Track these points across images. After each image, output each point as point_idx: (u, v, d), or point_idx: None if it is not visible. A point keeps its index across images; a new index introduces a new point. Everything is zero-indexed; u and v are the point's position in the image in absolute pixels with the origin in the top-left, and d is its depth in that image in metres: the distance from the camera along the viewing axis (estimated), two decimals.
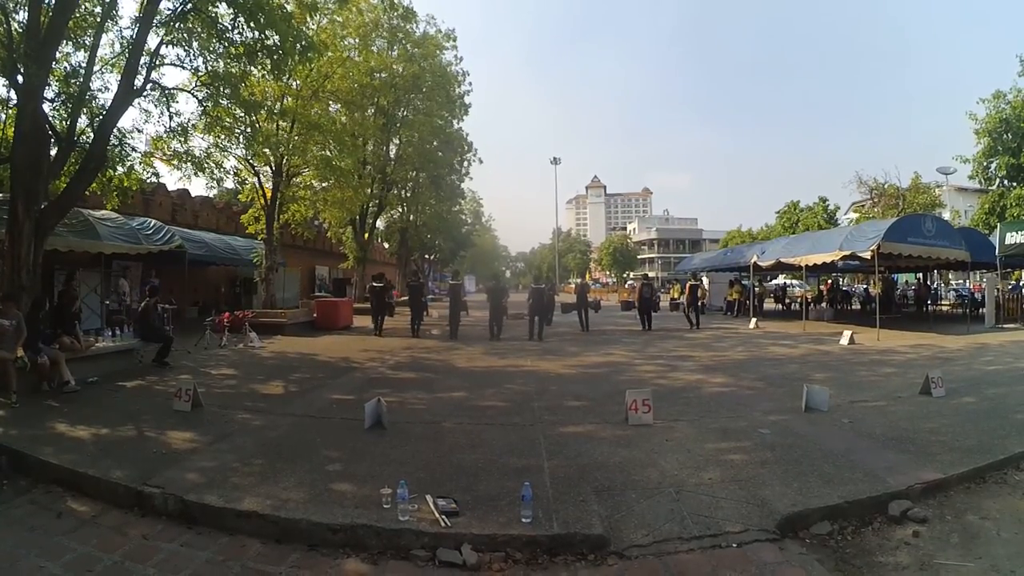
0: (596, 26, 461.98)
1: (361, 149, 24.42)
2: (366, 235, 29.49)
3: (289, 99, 17.84)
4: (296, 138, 17.86)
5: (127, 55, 10.25)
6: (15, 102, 9.37)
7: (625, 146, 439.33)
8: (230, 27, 10.96)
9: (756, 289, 24.88)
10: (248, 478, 4.57)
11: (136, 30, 10.19)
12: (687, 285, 21.42)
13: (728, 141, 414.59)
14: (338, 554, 3.61)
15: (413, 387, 8.72)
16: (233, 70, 11.72)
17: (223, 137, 14.52)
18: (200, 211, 23.00)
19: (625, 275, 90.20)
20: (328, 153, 19.50)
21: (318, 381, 9.18)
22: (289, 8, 12.49)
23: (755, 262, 21.68)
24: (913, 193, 38.91)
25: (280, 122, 17.55)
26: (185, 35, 10.92)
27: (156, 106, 11.49)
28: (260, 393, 8.21)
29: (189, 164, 12.38)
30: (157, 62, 10.78)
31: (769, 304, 29.97)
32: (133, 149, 11.46)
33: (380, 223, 34.17)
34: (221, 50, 11.42)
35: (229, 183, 17.98)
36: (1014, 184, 26.78)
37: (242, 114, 13.37)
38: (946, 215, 40.09)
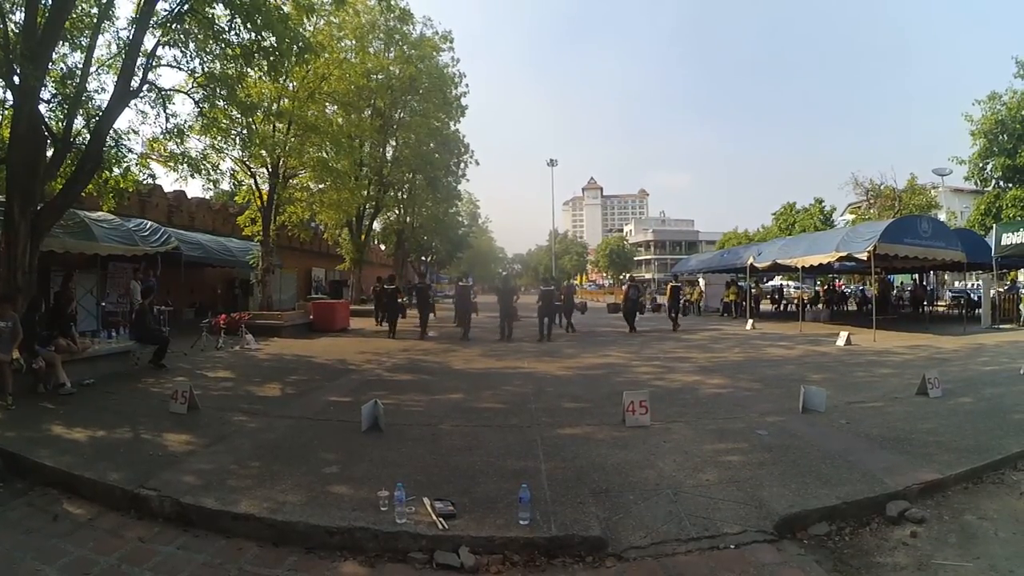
0: (595, 26, 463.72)
1: (358, 151, 24.44)
2: (363, 237, 29.49)
3: (286, 100, 17.80)
4: (293, 139, 17.85)
5: (123, 56, 10.23)
6: (11, 103, 9.34)
7: (623, 147, 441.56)
8: (227, 28, 10.94)
9: (753, 290, 24.89)
10: (245, 480, 4.55)
11: (133, 31, 10.17)
12: (668, 287, 21.72)
13: (727, 141, 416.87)
14: (335, 557, 3.60)
15: (410, 389, 8.71)
16: (230, 71, 11.69)
17: (219, 138, 14.47)
18: (196, 213, 22.94)
19: (621, 276, 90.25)
20: (325, 155, 19.49)
21: (315, 383, 9.17)
22: (286, 9, 12.47)
23: (752, 263, 21.71)
24: (909, 194, 38.99)
25: (277, 123, 17.53)
26: (182, 36, 10.90)
27: (152, 107, 11.49)
28: (257, 395, 8.20)
29: (185, 166, 12.32)
30: (153, 63, 10.75)
31: (765, 305, 30.04)
32: (129, 150, 11.43)
33: (377, 224, 34.13)
34: (218, 51, 11.39)
35: (225, 185, 17.94)
36: (1010, 185, 26.88)
37: (238, 115, 13.33)
38: (942, 216, 40.16)
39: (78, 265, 14.21)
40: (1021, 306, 19.48)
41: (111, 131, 10.38)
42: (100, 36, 10.41)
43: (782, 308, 29.50)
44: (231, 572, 3.42)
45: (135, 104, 11.00)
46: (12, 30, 9.26)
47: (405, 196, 34.10)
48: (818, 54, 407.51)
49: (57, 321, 9.14)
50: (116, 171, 11.26)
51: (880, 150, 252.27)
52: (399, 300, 18.56)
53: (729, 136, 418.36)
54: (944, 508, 4.20)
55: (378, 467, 4.88)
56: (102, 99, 10.73)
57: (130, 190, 12.46)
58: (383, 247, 42.21)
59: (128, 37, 10.38)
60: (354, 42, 24.17)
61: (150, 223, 16.12)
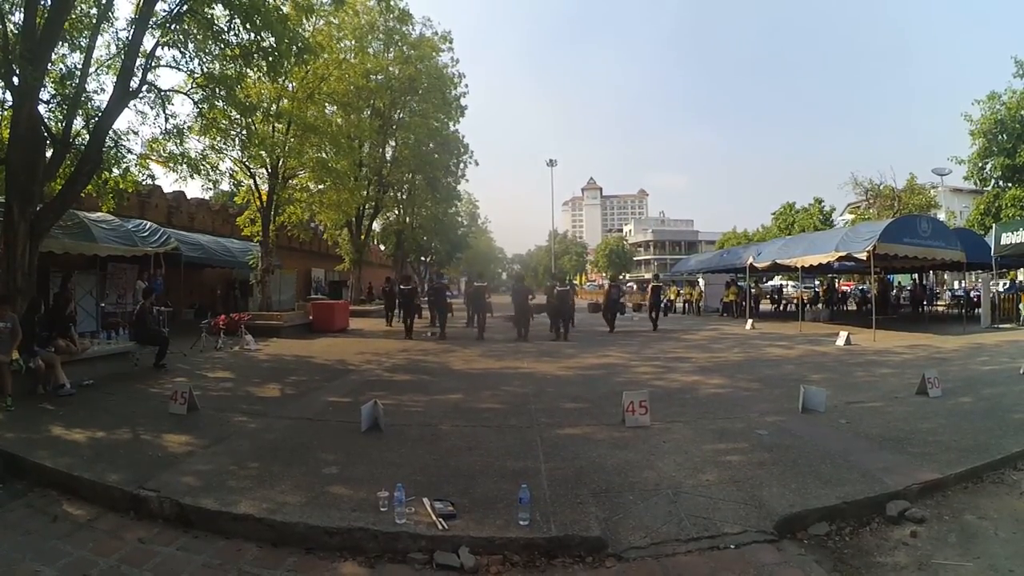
0: (594, 27, 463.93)
1: (357, 151, 24.42)
2: (362, 237, 29.46)
3: (285, 101, 17.83)
4: (292, 140, 17.87)
5: (123, 57, 10.24)
6: (10, 103, 9.34)
7: (622, 147, 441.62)
8: (226, 29, 10.96)
9: (752, 290, 24.90)
10: (245, 481, 4.55)
11: (132, 31, 10.18)
12: (649, 287, 21.86)
13: (726, 141, 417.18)
14: (335, 557, 3.59)
15: (410, 389, 8.71)
16: (229, 72, 11.69)
17: (219, 139, 14.50)
18: (196, 213, 22.94)
19: (620, 276, 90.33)
20: (324, 155, 19.51)
21: (314, 384, 9.16)
22: (285, 10, 12.49)
23: (751, 263, 21.72)
24: (908, 194, 39.02)
25: (276, 124, 17.55)
26: (181, 37, 10.91)
27: (152, 108, 11.50)
28: (256, 396, 8.19)
29: (185, 166, 12.33)
30: (153, 64, 10.76)
31: (765, 305, 30.04)
32: (129, 151, 11.45)
33: (376, 225, 34.10)
34: (217, 52, 11.41)
35: (225, 185, 17.99)
36: (1009, 185, 26.87)
37: (238, 116, 13.34)
38: (941, 216, 40.18)
39: (78, 266, 14.21)
40: (1021, 305, 19.48)
41: (110, 132, 10.39)
42: (99, 37, 10.43)
43: (781, 308, 29.50)
44: (231, 573, 3.42)
45: (134, 105, 11.03)
46: (11, 31, 9.27)
47: (404, 196, 34.08)
48: (818, 54, 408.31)
49: (56, 322, 9.14)
50: (115, 172, 11.26)
51: (880, 150, 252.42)
52: (415, 300, 18.60)
53: (728, 136, 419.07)
54: (944, 508, 4.20)
55: (378, 467, 4.87)
56: (101, 100, 10.75)
57: (129, 191, 12.47)
58: (383, 247, 42.16)
59: (127, 38, 10.40)
60: (353, 43, 24.16)
61: (150, 224, 16.12)
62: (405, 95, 28.04)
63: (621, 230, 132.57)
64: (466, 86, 32.12)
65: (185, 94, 11.86)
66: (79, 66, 10.21)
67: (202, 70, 11.52)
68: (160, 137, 11.88)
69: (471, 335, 16.74)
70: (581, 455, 5.23)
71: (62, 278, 13.19)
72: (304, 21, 14.74)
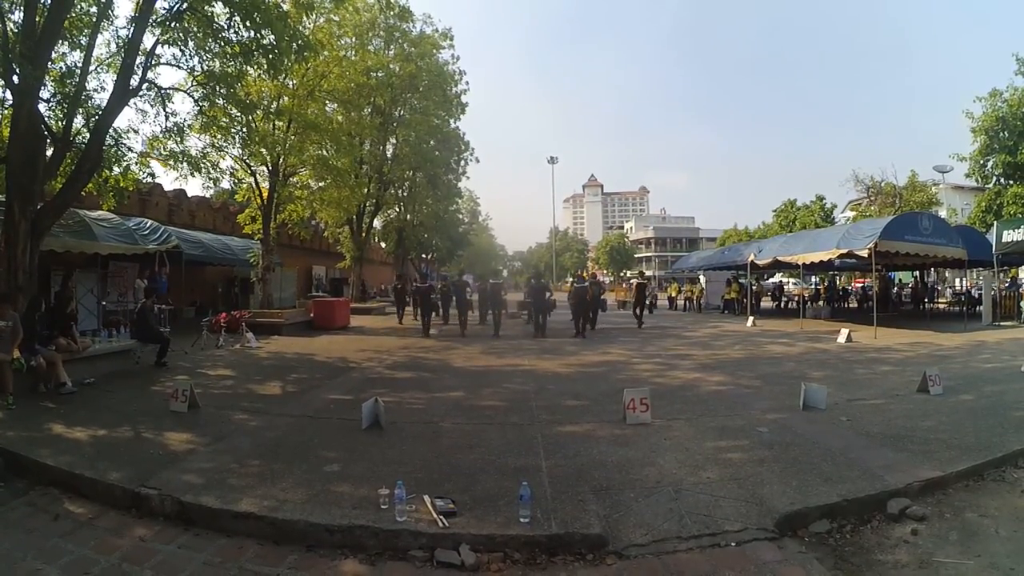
0: (595, 25, 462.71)
1: (358, 148, 24.39)
2: (363, 235, 29.45)
3: (285, 98, 17.82)
4: (292, 138, 17.86)
5: (123, 55, 10.23)
6: (11, 102, 9.33)
7: (623, 145, 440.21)
8: (226, 26, 10.95)
9: (753, 287, 24.89)
10: (246, 479, 4.55)
11: (132, 30, 10.18)
12: (634, 284, 21.64)
13: (727, 140, 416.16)
14: (336, 555, 3.59)
15: (411, 387, 8.71)
16: (229, 69, 11.67)
17: (219, 137, 14.50)
18: (197, 211, 22.95)
19: (622, 273, 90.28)
20: (325, 153, 19.51)
21: (315, 381, 9.16)
22: (285, 7, 12.47)
23: (752, 260, 21.70)
24: (910, 191, 38.94)
25: (276, 122, 17.52)
26: (181, 34, 10.90)
27: (152, 106, 11.52)
28: (257, 393, 8.20)
29: (185, 164, 12.34)
30: (153, 62, 10.75)
31: (766, 302, 30.03)
32: (129, 149, 11.45)
33: (377, 222, 34.10)
34: (217, 49, 11.39)
35: (225, 183, 17.92)
36: (1010, 182, 26.82)
37: (238, 114, 13.33)
38: (943, 213, 40.17)
39: (79, 264, 14.22)
40: (1022, 303, 19.46)
41: (111, 130, 10.38)
42: (99, 35, 10.41)
43: (782, 305, 29.50)
44: (232, 571, 3.42)
45: (135, 103, 11.03)
46: (11, 29, 9.26)
47: (405, 194, 34.06)
48: (818, 54, 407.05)
49: (57, 320, 9.15)
50: (116, 170, 11.26)
51: (881, 149, 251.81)
52: (432, 297, 18.67)
53: (729, 134, 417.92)
54: (945, 506, 4.19)
55: (378, 465, 4.88)
56: (102, 98, 10.75)
57: (130, 189, 12.46)
58: (383, 245, 42.17)
59: (127, 36, 10.40)
60: (354, 40, 24.15)
61: (150, 222, 16.15)
62: (406, 92, 28.00)
63: (622, 227, 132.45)
64: (467, 83, 32.10)
65: (185, 92, 11.85)
66: (79, 64, 10.20)
67: (202, 68, 11.52)
68: (160, 135, 11.90)
69: (487, 332, 16.90)
70: (582, 452, 5.23)
71: (63, 276, 13.20)
72: (304, 18, 14.71)
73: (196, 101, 11.97)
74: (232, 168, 17.76)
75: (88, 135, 10.11)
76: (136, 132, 15.89)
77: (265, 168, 18.38)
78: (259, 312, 17.54)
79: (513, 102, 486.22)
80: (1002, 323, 18.27)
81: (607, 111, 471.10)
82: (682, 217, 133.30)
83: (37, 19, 9.06)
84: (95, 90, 11.00)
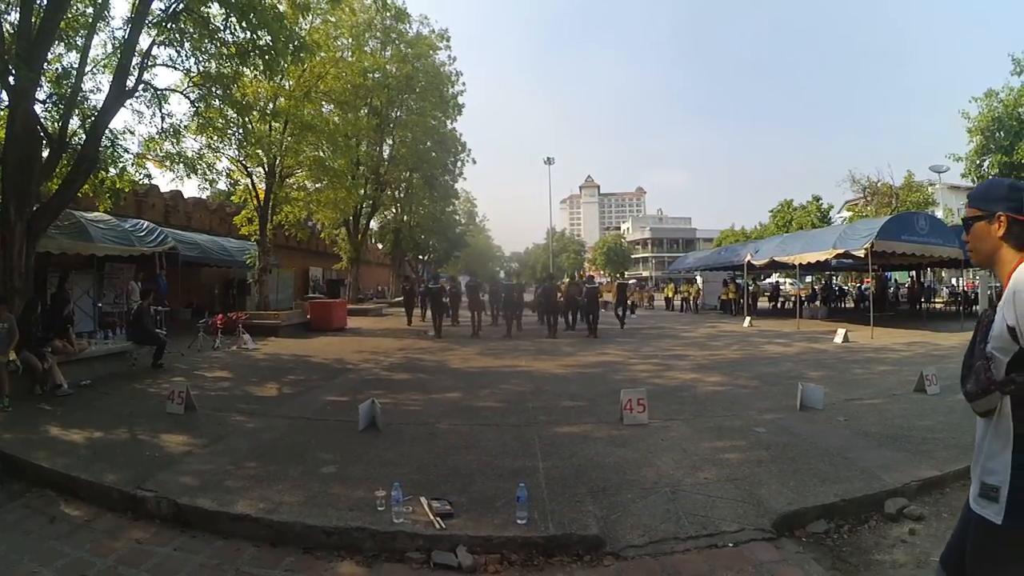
0: (594, 25, 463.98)
1: (354, 150, 24.36)
2: (360, 236, 29.44)
3: (282, 100, 17.74)
4: (289, 139, 17.82)
5: (119, 56, 10.19)
6: (6, 103, 9.31)
7: (620, 145, 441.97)
8: (222, 27, 10.91)
9: (750, 288, 24.92)
10: (242, 481, 4.54)
11: (128, 31, 10.14)
12: (615, 285, 21.66)
13: (724, 140, 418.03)
14: (333, 557, 3.59)
15: (408, 388, 8.71)
16: (225, 71, 11.66)
17: (215, 138, 14.48)
18: (193, 212, 22.86)
19: (619, 274, 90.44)
20: (321, 154, 19.47)
21: (312, 383, 9.15)
22: (281, 8, 12.45)
23: (749, 261, 21.73)
24: (906, 191, 38.98)
25: (273, 123, 17.49)
26: (177, 35, 10.85)
27: (148, 107, 11.45)
28: (254, 395, 8.18)
29: (181, 165, 12.32)
30: (149, 63, 10.72)
31: (763, 303, 30.07)
32: (125, 150, 11.39)
33: (374, 224, 34.11)
34: (213, 50, 11.36)
35: (222, 184, 17.91)
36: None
37: (234, 115, 13.31)
38: (939, 213, 40.18)
39: (75, 266, 14.16)
40: None
41: (107, 131, 10.34)
42: (95, 36, 10.38)
43: (779, 305, 29.55)
44: (228, 573, 3.41)
45: (131, 104, 10.97)
46: (7, 30, 9.23)
47: (402, 195, 34.09)
48: (818, 54, 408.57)
49: (54, 322, 9.12)
50: (112, 171, 11.24)
51: (880, 150, 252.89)
52: (444, 300, 18.73)
53: (727, 135, 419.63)
54: (943, 505, 4.20)
55: (375, 467, 4.87)
56: (98, 99, 10.71)
57: (126, 190, 12.44)
58: (380, 246, 42.17)
59: (123, 37, 10.34)
60: (350, 41, 24.11)
61: (147, 223, 16.06)
62: (402, 93, 28.01)
63: (619, 228, 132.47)
64: (463, 84, 32.18)
65: (182, 93, 11.84)
66: (75, 65, 10.19)
67: (198, 69, 11.49)
68: (157, 136, 11.86)
69: (499, 333, 17.05)
70: (579, 453, 5.23)
71: (59, 278, 13.15)
72: (301, 19, 14.73)
73: (192, 102, 11.95)
74: (228, 169, 17.73)
75: (84, 136, 10.07)
76: (132, 133, 15.80)
77: (262, 169, 18.31)
78: (256, 313, 17.48)
79: (510, 102, 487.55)
80: None
81: (605, 111, 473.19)
82: (679, 218, 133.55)
83: (33, 20, 9.02)
84: (91, 91, 11.00)
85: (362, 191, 26.63)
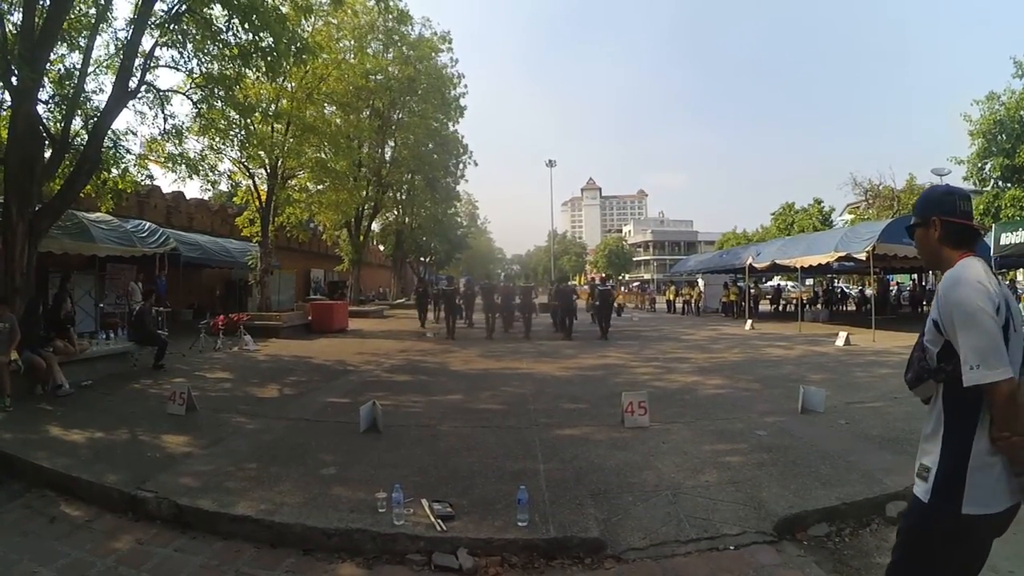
0: (594, 27, 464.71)
1: (356, 151, 24.41)
2: (361, 237, 29.46)
3: (284, 101, 17.79)
4: (291, 140, 17.85)
5: (121, 57, 10.22)
6: (9, 104, 9.33)
7: (621, 147, 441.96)
8: (224, 28, 10.94)
9: (751, 291, 24.90)
10: (243, 482, 4.54)
11: (131, 32, 10.17)
12: (594, 287, 20.86)
13: (725, 142, 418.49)
14: (333, 558, 3.58)
15: (409, 390, 8.70)
16: (227, 72, 11.67)
17: (218, 139, 14.48)
18: (195, 213, 22.89)
19: (620, 277, 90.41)
20: (323, 155, 19.50)
21: (313, 384, 9.15)
22: (284, 10, 12.46)
23: (751, 263, 21.72)
24: (908, 194, 38.96)
25: (275, 124, 17.52)
26: (179, 37, 10.89)
27: (150, 108, 11.52)
28: (255, 396, 8.18)
29: (183, 166, 12.34)
30: (151, 64, 10.75)
31: (764, 306, 30.04)
32: (127, 151, 11.45)
33: (375, 225, 34.14)
34: (215, 52, 11.39)
35: (224, 185, 17.94)
36: (1008, 185, 26.82)
37: (236, 116, 13.33)
38: None
39: (76, 266, 14.18)
40: (1020, 305, 19.44)
41: (109, 132, 10.37)
42: (98, 37, 10.40)
43: (781, 308, 29.52)
44: (228, 574, 3.41)
45: (133, 105, 11.03)
46: (10, 31, 9.25)
47: (404, 197, 34.08)
48: (818, 54, 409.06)
49: (55, 322, 9.13)
50: (114, 172, 11.26)
51: (880, 150, 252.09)
52: (458, 301, 18.78)
53: (728, 136, 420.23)
54: None
55: (376, 468, 4.86)
56: (100, 100, 10.73)
57: (128, 191, 12.46)
58: (382, 248, 42.19)
59: (126, 38, 10.38)
60: (352, 43, 24.13)
61: (148, 224, 16.10)
62: (404, 95, 28.02)
63: (620, 230, 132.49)
64: (465, 86, 32.19)
65: (184, 94, 11.86)
66: (78, 66, 10.20)
67: (201, 70, 11.52)
68: (159, 137, 11.92)
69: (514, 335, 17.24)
70: (580, 456, 5.22)
71: (61, 278, 13.16)
72: (303, 21, 14.73)
73: (195, 103, 11.98)
74: (230, 170, 17.79)
75: (86, 137, 10.10)
76: (134, 134, 15.93)
77: (263, 170, 18.35)
78: (257, 315, 17.50)
79: (511, 103, 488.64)
80: None
81: (605, 113, 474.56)
82: (680, 220, 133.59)
83: (36, 20, 9.04)
84: (94, 92, 11.01)
85: (364, 193, 26.64)
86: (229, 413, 6.95)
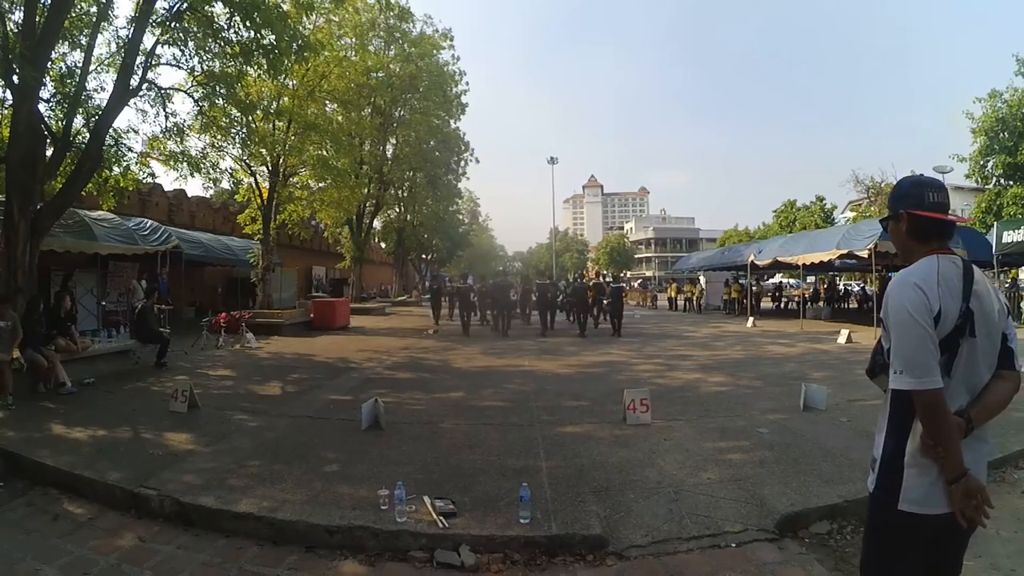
0: (594, 25, 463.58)
1: (358, 149, 24.39)
2: (363, 235, 29.46)
3: (285, 99, 17.77)
4: (292, 138, 17.84)
5: (123, 55, 10.22)
6: (10, 102, 9.33)
7: (623, 145, 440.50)
8: (226, 26, 10.94)
9: (753, 288, 24.88)
10: (245, 480, 4.54)
11: (132, 29, 10.16)
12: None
13: (727, 140, 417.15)
14: (335, 556, 3.59)
15: (411, 387, 8.70)
16: (229, 70, 11.66)
17: (219, 137, 14.50)
18: (197, 211, 22.92)
19: (622, 274, 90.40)
20: (325, 153, 19.46)
21: (315, 382, 9.15)
22: (285, 7, 12.46)
23: (752, 261, 21.69)
24: None
25: (276, 122, 17.49)
26: (181, 35, 10.88)
27: (152, 106, 11.51)
28: (257, 394, 8.19)
29: (185, 164, 12.36)
30: (153, 62, 10.74)
31: (766, 303, 30.02)
32: (129, 149, 11.44)
33: (377, 223, 34.10)
34: (217, 50, 11.38)
35: (225, 183, 17.91)
36: (1010, 183, 26.76)
37: (238, 114, 13.31)
38: None
39: (78, 264, 14.20)
40: (1022, 304, 19.43)
41: (111, 130, 10.37)
42: (99, 35, 10.39)
43: (782, 306, 29.49)
44: (231, 572, 3.42)
45: (135, 103, 11.02)
46: (11, 30, 9.24)
47: (405, 194, 34.08)
48: (818, 54, 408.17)
49: (57, 321, 9.14)
50: (116, 170, 11.26)
51: (881, 149, 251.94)
52: (472, 299, 18.83)
53: (729, 134, 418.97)
54: None
55: (378, 466, 4.87)
56: (101, 98, 10.72)
57: (130, 189, 12.47)
58: (383, 245, 42.19)
59: (127, 36, 10.37)
60: (354, 40, 24.14)
61: (150, 222, 16.10)
62: (406, 93, 28.00)
63: (622, 228, 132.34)
64: (467, 84, 32.14)
65: (185, 92, 11.84)
66: (79, 64, 10.19)
67: (202, 68, 11.50)
68: (160, 135, 11.90)
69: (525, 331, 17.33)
70: (582, 453, 5.22)
71: (63, 277, 13.19)
72: (304, 19, 14.70)
73: (196, 101, 11.96)
74: (232, 168, 17.79)
75: (88, 135, 10.09)
76: (136, 132, 15.98)
77: (265, 168, 18.36)
78: (259, 312, 17.51)
79: (513, 100, 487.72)
80: None
81: (607, 110, 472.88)
82: (682, 218, 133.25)
83: (37, 19, 9.05)
84: (95, 90, 10.99)
85: (365, 190, 26.61)
86: (231, 411, 6.96)
